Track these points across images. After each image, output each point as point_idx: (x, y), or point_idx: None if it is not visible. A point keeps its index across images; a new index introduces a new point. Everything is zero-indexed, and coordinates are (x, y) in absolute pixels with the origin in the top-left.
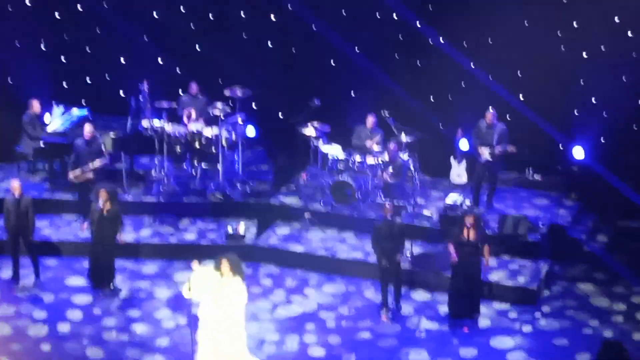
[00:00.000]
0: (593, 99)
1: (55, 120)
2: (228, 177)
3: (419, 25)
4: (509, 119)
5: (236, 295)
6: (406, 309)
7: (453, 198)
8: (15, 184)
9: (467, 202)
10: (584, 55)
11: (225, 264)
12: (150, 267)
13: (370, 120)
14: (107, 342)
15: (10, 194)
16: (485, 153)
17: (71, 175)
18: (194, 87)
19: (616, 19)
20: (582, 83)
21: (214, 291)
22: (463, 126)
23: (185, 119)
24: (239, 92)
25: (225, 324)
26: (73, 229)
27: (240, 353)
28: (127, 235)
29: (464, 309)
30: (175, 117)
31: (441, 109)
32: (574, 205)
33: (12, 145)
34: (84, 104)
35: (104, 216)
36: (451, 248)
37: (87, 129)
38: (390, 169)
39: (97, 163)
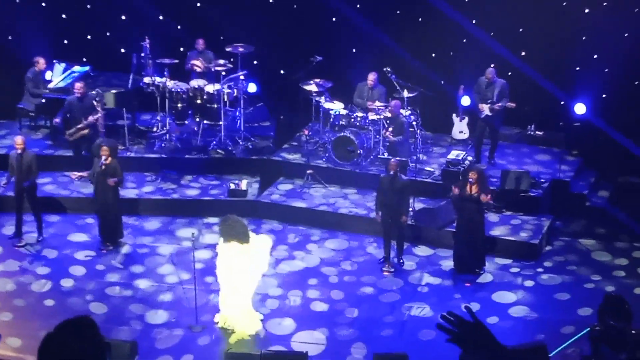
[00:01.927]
0: (595, 55)
1: (57, 77)
2: (230, 134)
3: None
4: (510, 75)
5: (235, 259)
6: (408, 264)
7: (455, 154)
8: (18, 140)
9: (469, 158)
10: (586, 11)
11: (222, 229)
12: (152, 223)
13: (372, 77)
14: (111, 297)
15: (14, 150)
16: (485, 109)
17: (67, 133)
18: (200, 43)
19: None
20: (583, 39)
21: (223, 259)
22: (464, 83)
23: (193, 68)
24: (240, 49)
25: (231, 285)
26: (75, 186)
27: (242, 311)
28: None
29: (466, 264)
30: (177, 73)
31: (442, 66)
32: (576, 160)
33: (14, 102)
34: (85, 61)
35: (104, 172)
36: (454, 199)
37: (78, 85)
38: (392, 126)
39: (91, 119)
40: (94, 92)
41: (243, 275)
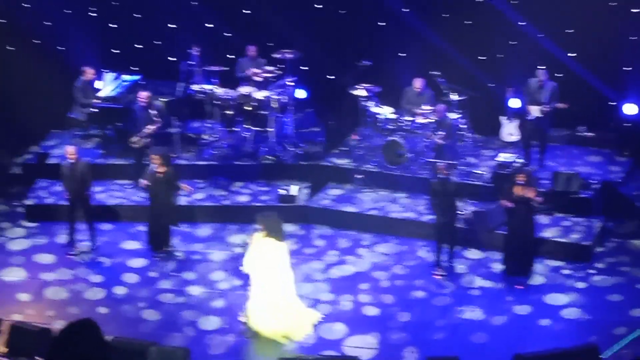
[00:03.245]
0: None
1: (107, 86)
2: (279, 140)
3: None
4: (559, 76)
5: (272, 255)
6: (460, 267)
7: (505, 156)
8: (70, 150)
9: (519, 160)
10: (633, 11)
11: (260, 226)
12: (204, 230)
13: (418, 83)
14: (163, 304)
15: (66, 160)
16: (535, 111)
17: (131, 141)
18: (253, 50)
19: None
20: (632, 39)
21: (258, 254)
22: (513, 84)
23: (249, 77)
24: (288, 55)
25: (271, 283)
26: (128, 194)
27: (293, 308)
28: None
29: (518, 267)
30: (226, 80)
31: (491, 68)
32: (626, 162)
33: (65, 112)
34: (134, 69)
35: (159, 179)
36: (504, 201)
37: (144, 94)
38: (440, 130)
39: (150, 128)
40: (159, 103)
41: (283, 272)
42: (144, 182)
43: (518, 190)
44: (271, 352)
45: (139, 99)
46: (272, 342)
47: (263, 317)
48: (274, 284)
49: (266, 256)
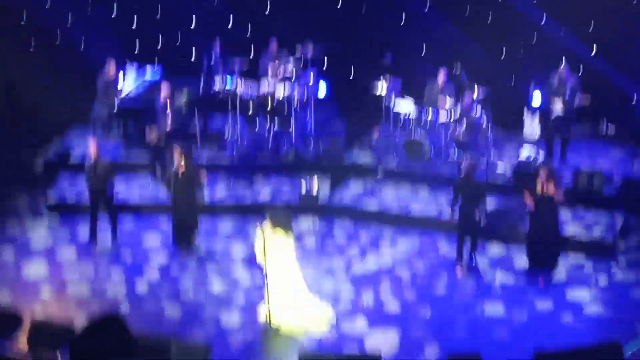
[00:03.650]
0: None
1: (128, 84)
2: (301, 136)
3: None
4: (581, 71)
5: (281, 248)
6: (481, 263)
7: (527, 152)
8: (92, 145)
9: (541, 156)
10: None
11: (268, 221)
12: (225, 226)
13: (442, 76)
14: (185, 300)
15: (88, 157)
16: (557, 106)
17: (149, 138)
18: (274, 44)
19: None
20: None
21: (269, 247)
22: (536, 80)
23: (270, 74)
24: (309, 51)
25: (282, 277)
26: (149, 190)
27: (303, 301)
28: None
29: (540, 263)
30: (247, 77)
31: (513, 64)
32: None
33: (87, 108)
34: (156, 66)
35: (180, 176)
36: (527, 197)
37: (164, 92)
38: (464, 125)
39: (169, 126)
40: (179, 102)
41: (293, 265)
42: (166, 175)
43: (540, 187)
44: (288, 348)
45: (161, 97)
46: (288, 337)
47: (279, 311)
48: (282, 277)
49: (274, 250)
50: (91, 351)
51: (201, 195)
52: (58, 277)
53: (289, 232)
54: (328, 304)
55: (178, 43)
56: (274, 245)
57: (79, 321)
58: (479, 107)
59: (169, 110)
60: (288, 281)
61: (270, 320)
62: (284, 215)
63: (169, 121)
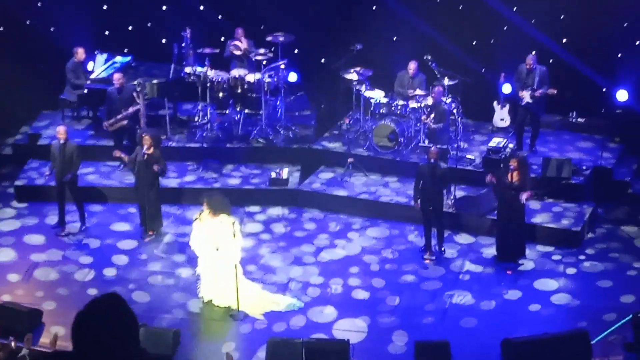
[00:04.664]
0: (637, 42)
1: (99, 68)
2: (271, 123)
3: None
4: (551, 62)
5: (222, 231)
6: (450, 251)
7: (496, 141)
8: (61, 130)
9: (511, 146)
10: None
11: (205, 205)
12: (194, 212)
13: (412, 66)
14: (153, 286)
15: (56, 140)
16: (526, 96)
17: (106, 124)
18: (240, 32)
19: None
20: (625, 25)
21: (207, 232)
22: (505, 70)
23: (232, 50)
24: (280, 38)
25: (220, 259)
26: (117, 175)
27: (238, 286)
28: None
29: (508, 252)
30: (217, 63)
31: (483, 54)
32: (618, 147)
33: (56, 93)
34: (126, 51)
35: (146, 161)
36: (490, 177)
37: (117, 76)
38: (433, 114)
39: (130, 110)
40: (134, 83)
41: (236, 245)
42: (125, 157)
43: (509, 176)
44: (221, 331)
45: (114, 81)
46: (222, 320)
47: (218, 291)
48: (227, 258)
49: (219, 232)
50: (93, 330)
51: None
52: (26, 262)
53: (229, 214)
54: (265, 289)
55: (149, 28)
56: (217, 228)
57: (46, 306)
58: (449, 95)
59: (122, 95)
60: (226, 264)
61: (206, 303)
62: (221, 198)
63: (123, 106)
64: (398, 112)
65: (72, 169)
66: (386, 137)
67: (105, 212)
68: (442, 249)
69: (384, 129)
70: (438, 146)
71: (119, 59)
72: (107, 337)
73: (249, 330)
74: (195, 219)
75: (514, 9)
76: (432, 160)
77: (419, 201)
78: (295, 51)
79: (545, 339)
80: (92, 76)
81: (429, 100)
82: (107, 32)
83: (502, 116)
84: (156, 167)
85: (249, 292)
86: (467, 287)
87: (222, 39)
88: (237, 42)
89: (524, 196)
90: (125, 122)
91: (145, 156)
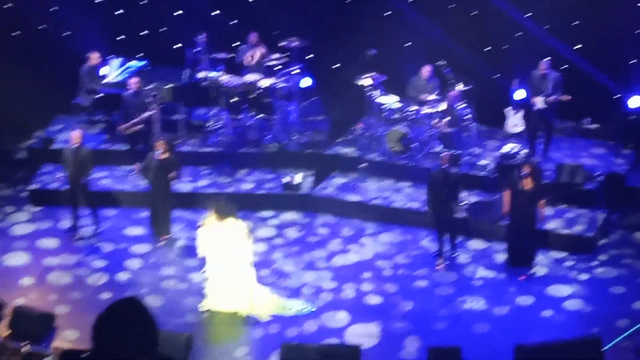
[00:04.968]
0: None
1: (113, 72)
2: (284, 128)
3: None
4: (564, 69)
5: (231, 236)
6: (462, 257)
7: (509, 147)
8: (75, 134)
9: (524, 152)
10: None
11: (211, 210)
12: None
13: (426, 70)
14: (166, 290)
15: (69, 144)
16: (539, 102)
17: (120, 127)
18: (253, 37)
19: None
20: (637, 32)
21: (215, 237)
22: (519, 76)
23: (247, 60)
24: (294, 43)
25: (231, 264)
26: (131, 180)
27: (250, 290)
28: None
29: (520, 258)
30: (231, 68)
31: (497, 59)
32: (631, 154)
33: (70, 97)
34: (140, 56)
35: (161, 166)
36: (505, 198)
37: (133, 80)
38: (447, 119)
39: (145, 115)
40: (150, 87)
41: (246, 252)
42: (138, 167)
43: (522, 182)
44: (233, 334)
45: (130, 85)
46: (233, 323)
47: (225, 297)
48: (236, 262)
49: (227, 237)
50: (113, 333)
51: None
52: (39, 265)
53: (235, 220)
54: (275, 292)
55: (163, 32)
56: (219, 235)
57: (59, 310)
58: (462, 101)
59: (137, 99)
60: (235, 269)
61: (213, 309)
62: (226, 203)
63: (139, 110)
64: (411, 118)
65: (85, 174)
66: (399, 142)
67: (118, 216)
68: (455, 254)
69: (397, 134)
70: (450, 151)
71: (133, 63)
72: (126, 340)
73: (261, 335)
74: (201, 226)
75: (528, 15)
76: (444, 166)
77: (432, 207)
78: (309, 56)
79: (558, 345)
80: (106, 80)
81: (443, 106)
82: (121, 37)
83: (515, 122)
84: (172, 175)
85: (259, 295)
86: (480, 292)
87: (237, 44)
88: (251, 54)
89: (542, 209)
90: (140, 126)
91: (162, 161)
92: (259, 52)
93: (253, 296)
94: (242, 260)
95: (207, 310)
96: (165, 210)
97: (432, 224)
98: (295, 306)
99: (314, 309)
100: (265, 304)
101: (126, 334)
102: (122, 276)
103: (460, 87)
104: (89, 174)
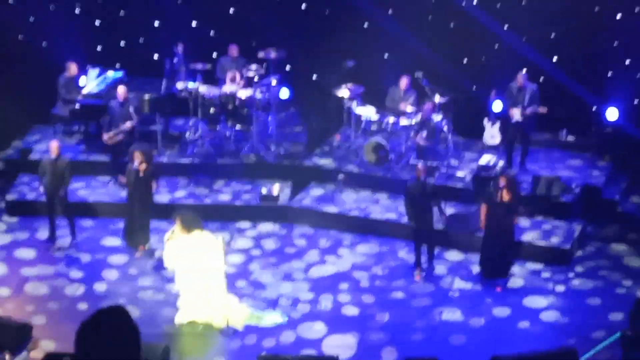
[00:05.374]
0: (627, 61)
1: (91, 83)
2: (262, 139)
3: None
4: (542, 81)
5: (199, 248)
6: (439, 268)
7: (486, 159)
8: (53, 145)
9: (501, 163)
10: (618, 16)
11: (177, 223)
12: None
13: (404, 82)
14: (143, 301)
15: (47, 155)
16: (516, 114)
17: (105, 137)
18: (234, 50)
19: None
20: (615, 45)
21: (183, 249)
22: (496, 88)
23: (228, 81)
24: (272, 54)
25: (201, 276)
26: (108, 190)
27: (222, 301)
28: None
29: (497, 269)
30: (209, 79)
31: (474, 71)
32: (607, 166)
33: (48, 107)
34: (118, 66)
35: (140, 177)
36: (483, 212)
37: (121, 90)
38: (424, 131)
39: (128, 125)
40: (136, 99)
41: (217, 263)
42: (123, 179)
43: (499, 194)
44: (210, 346)
45: (117, 94)
46: (210, 335)
47: (199, 308)
48: (206, 274)
49: (195, 249)
50: (96, 340)
51: (153, 196)
52: (16, 276)
53: (201, 232)
54: (250, 303)
55: (141, 43)
56: (187, 247)
57: (37, 321)
58: (439, 112)
59: (124, 109)
60: (205, 280)
61: (185, 320)
62: (192, 216)
63: (124, 120)
64: (389, 129)
65: (63, 184)
66: (376, 153)
67: (96, 227)
68: (432, 265)
69: (374, 145)
70: (426, 163)
71: (111, 74)
72: (109, 348)
73: (238, 346)
74: (169, 239)
75: (505, 27)
76: (420, 177)
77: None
78: (287, 67)
79: (534, 357)
80: (84, 91)
81: (420, 117)
82: (99, 47)
83: (492, 134)
84: (154, 186)
85: (231, 306)
86: (457, 304)
87: (215, 55)
88: (234, 73)
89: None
90: (120, 136)
91: (141, 173)
92: (238, 74)
93: (225, 307)
94: (212, 272)
95: (183, 323)
96: (144, 221)
97: (411, 235)
98: (267, 316)
99: (284, 320)
100: (237, 314)
101: (110, 342)
102: (100, 287)
103: (437, 98)
104: (67, 185)
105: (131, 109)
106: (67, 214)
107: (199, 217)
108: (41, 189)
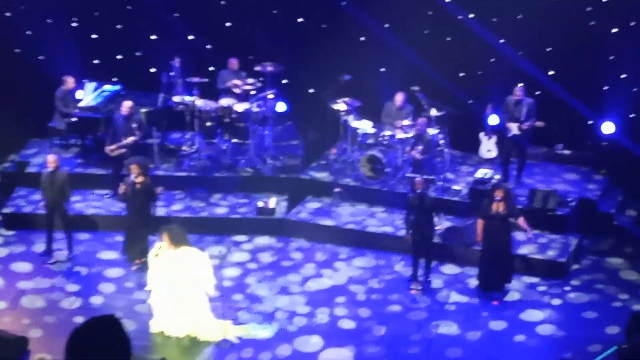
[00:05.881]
0: (623, 75)
1: (88, 96)
2: (258, 152)
3: (448, 1)
4: (538, 94)
5: (185, 263)
6: (436, 282)
7: (483, 173)
8: (51, 159)
9: (497, 177)
10: (614, 30)
11: (165, 237)
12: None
13: (399, 97)
14: (140, 314)
15: (45, 169)
16: (513, 128)
17: (108, 149)
18: (234, 63)
19: None
20: (611, 59)
21: (170, 264)
22: (492, 102)
23: (231, 84)
24: (269, 68)
25: (184, 293)
26: (105, 204)
27: (204, 319)
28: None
29: (494, 283)
30: (206, 92)
31: (471, 85)
32: (603, 180)
33: (45, 121)
34: (115, 80)
35: (137, 189)
36: (479, 226)
37: (127, 105)
38: (420, 145)
39: (130, 140)
40: (140, 114)
41: (202, 278)
42: (122, 188)
43: (495, 207)
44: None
45: (122, 108)
46: (204, 348)
47: (186, 323)
48: (193, 289)
49: (183, 263)
50: (87, 348)
51: (154, 210)
52: (13, 289)
53: (189, 248)
54: (227, 319)
55: (138, 57)
56: (174, 262)
57: (33, 334)
58: (436, 126)
59: (127, 123)
60: (192, 295)
61: (165, 333)
62: (179, 230)
63: (127, 134)
64: (385, 143)
65: (64, 198)
66: (372, 167)
67: (92, 240)
68: (429, 279)
69: (371, 159)
70: (424, 177)
71: (108, 87)
72: (99, 356)
73: (235, 359)
74: (156, 255)
75: (502, 41)
76: (419, 191)
77: (410, 232)
78: (284, 81)
79: None
80: (81, 104)
81: (415, 131)
82: (96, 61)
83: (488, 147)
84: (159, 190)
85: (215, 321)
86: (453, 317)
87: (211, 68)
88: (236, 81)
89: (524, 226)
90: (123, 150)
91: (138, 185)
92: (241, 80)
93: (213, 321)
94: (199, 287)
95: (170, 336)
96: (144, 234)
97: (406, 248)
98: (255, 330)
99: (271, 334)
100: (219, 327)
101: (100, 350)
102: (96, 300)
103: (433, 112)
104: (68, 198)
105: (134, 125)
106: (66, 227)
107: (185, 232)
108: (42, 204)
